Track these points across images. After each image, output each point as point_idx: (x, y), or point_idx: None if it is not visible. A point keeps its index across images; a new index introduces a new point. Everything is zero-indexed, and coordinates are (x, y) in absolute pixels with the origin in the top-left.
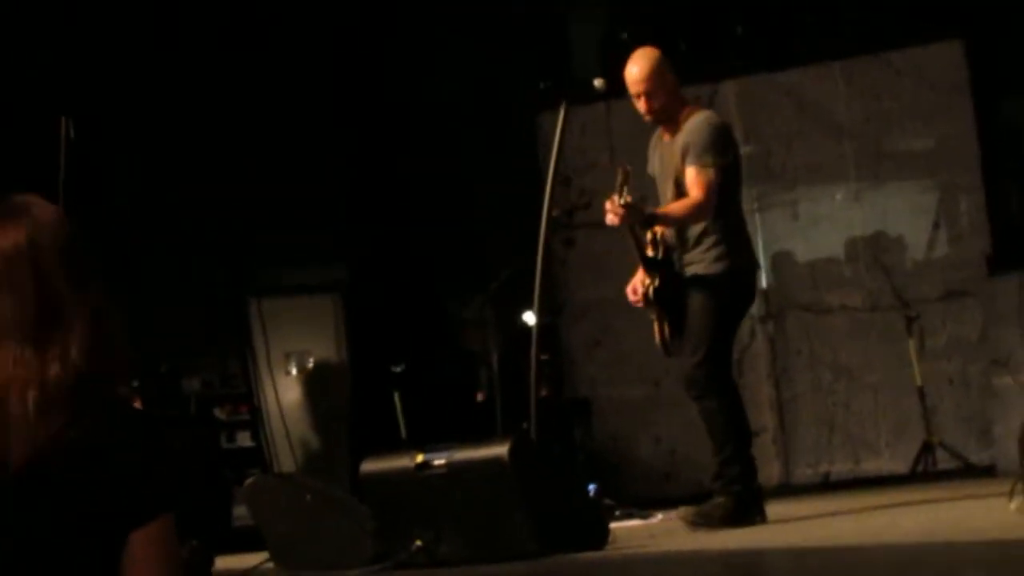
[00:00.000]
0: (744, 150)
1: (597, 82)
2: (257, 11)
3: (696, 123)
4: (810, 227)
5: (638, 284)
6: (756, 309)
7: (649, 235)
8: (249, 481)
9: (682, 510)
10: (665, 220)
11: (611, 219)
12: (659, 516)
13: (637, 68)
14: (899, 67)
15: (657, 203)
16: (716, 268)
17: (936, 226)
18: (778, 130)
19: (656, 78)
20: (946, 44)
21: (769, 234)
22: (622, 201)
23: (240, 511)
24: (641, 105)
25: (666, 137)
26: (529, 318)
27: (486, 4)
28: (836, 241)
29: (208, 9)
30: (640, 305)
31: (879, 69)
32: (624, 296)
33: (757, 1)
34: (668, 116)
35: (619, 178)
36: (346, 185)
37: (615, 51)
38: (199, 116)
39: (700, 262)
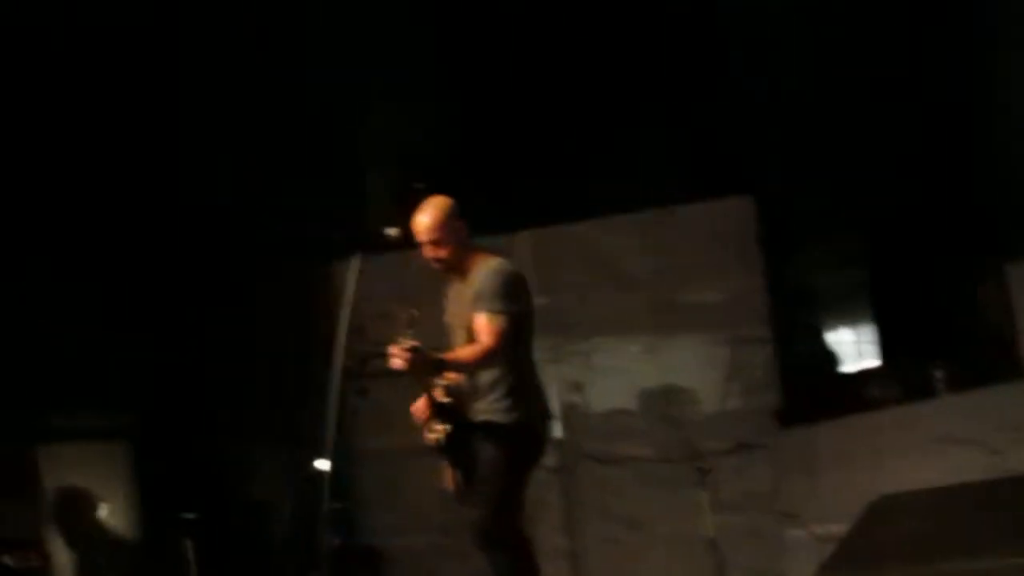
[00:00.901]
0: (539, 301)
1: (391, 231)
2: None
3: (487, 271)
4: (603, 378)
5: (419, 412)
6: (549, 459)
7: (441, 382)
8: None
9: None
10: (453, 366)
11: (397, 363)
12: None
13: (426, 217)
14: (691, 221)
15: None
16: (506, 418)
17: (728, 379)
18: (572, 282)
19: (445, 227)
20: (737, 199)
21: (563, 385)
22: (407, 345)
23: None
24: (429, 252)
25: (458, 285)
26: (321, 465)
27: (282, 149)
28: (629, 393)
29: None
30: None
31: (671, 223)
32: (415, 445)
33: (552, 154)
34: (458, 265)
35: (404, 322)
36: (135, 329)
37: (409, 200)
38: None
39: (491, 411)
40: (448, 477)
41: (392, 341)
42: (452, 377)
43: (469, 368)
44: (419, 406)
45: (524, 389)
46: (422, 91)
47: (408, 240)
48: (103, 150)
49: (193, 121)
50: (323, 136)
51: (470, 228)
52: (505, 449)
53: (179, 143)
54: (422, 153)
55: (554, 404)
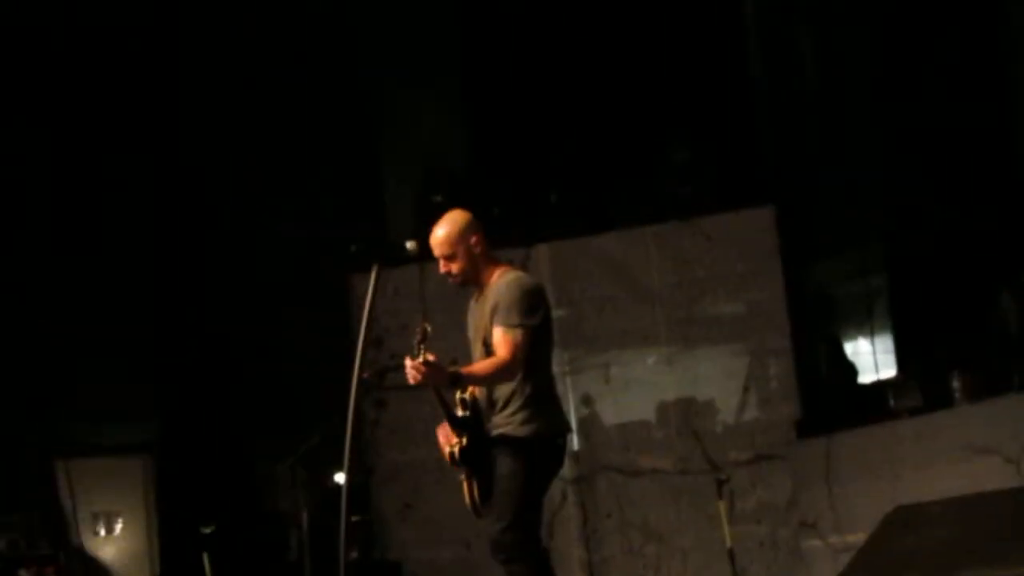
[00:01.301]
0: (557, 313)
1: (409, 244)
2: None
3: (505, 283)
4: (621, 390)
5: (444, 439)
6: (567, 471)
7: (459, 395)
8: None
9: None
10: (470, 380)
11: (412, 376)
12: None
13: (441, 231)
14: (710, 233)
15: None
16: (524, 431)
17: (746, 390)
18: (591, 294)
19: (459, 241)
20: (756, 211)
21: (580, 397)
22: (421, 359)
23: None
24: (443, 267)
25: (477, 299)
26: (340, 479)
27: (303, 164)
28: (647, 404)
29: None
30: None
31: (690, 235)
32: (435, 459)
33: (572, 168)
34: (474, 278)
35: (418, 336)
36: (158, 344)
37: (429, 214)
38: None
39: (508, 424)
40: (466, 491)
41: (408, 355)
42: (471, 390)
43: (485, 382)
44: (443, 434)
45: (542, 402)
46: (446, 104)
47: (426, 253)
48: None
49: (217, 127)
50: (345, 147)
51: (489, 241)
52: (523, 462)
53: (203, 148)
54: (443, 165)
55: (572, 416)
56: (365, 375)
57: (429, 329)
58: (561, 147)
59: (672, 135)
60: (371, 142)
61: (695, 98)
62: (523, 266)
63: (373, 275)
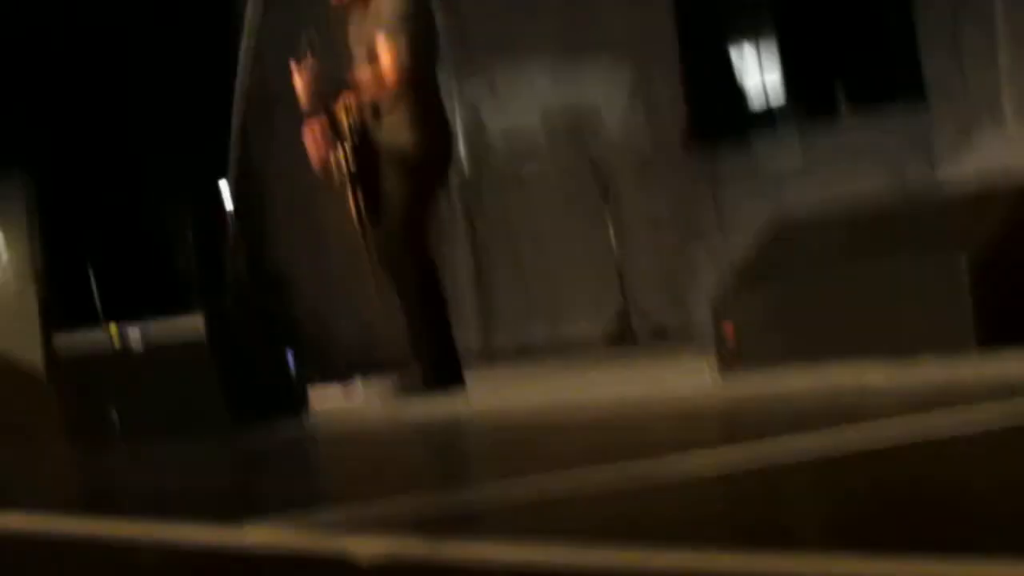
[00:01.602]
0: (443, 20)
1: None
2: None
3: None
4: (507, 100)
5: (313, 143)
6: (454, 179)
7: (343, 104)
8: None
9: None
10: (356, 92)
11: (299, 94)
12: (358, 383)
13: None
14: None
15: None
16: (408, 137)
17: (633, 97)
18: (477, 4)
19: None
20: None
21: (466, 106)
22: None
23: None
24: None
25: (360, 11)
26: (225, 192)
27: None
28: (533, 113)
29: None
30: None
31: None
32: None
33: None
34: None
35: (304, 45)
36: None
37: None
38: None
39: (392, 131)
40: (351, 203)
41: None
42: (352, 98)
43: (372, 92)
44: (315, 137)
45: (425, 109)
46: None
47: None
48: None
49: None
50: None
51: None
52: (409, 172)
53: None
54: None
55: (458, 125)
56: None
57: (316, 39)
58: None
59: None
60: None
61: None
62: None
63: None
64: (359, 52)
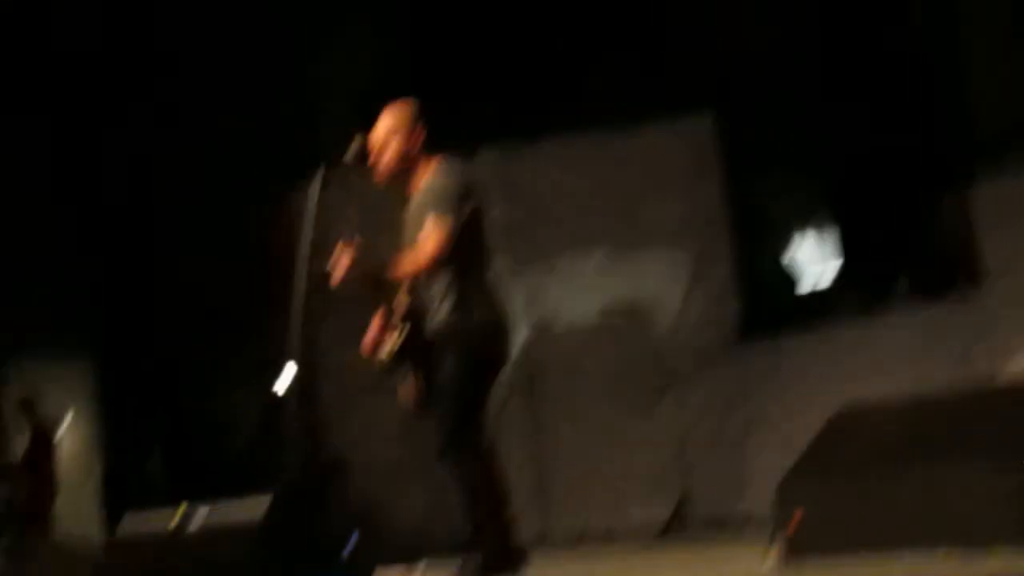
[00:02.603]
0: (499, 216)
1: (352, 147)
2: None
3: (432, 176)
4: (565, 292)
5: (371, 340)
6: (513, 369)
7: (400, 295)
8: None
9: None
10: (398, 272)
11: (337, 275)
12: (422, 565)
13: (385, 116)
14: (654, 137)
15: None
16: (462, 327)
17: (688, 293)
18: (535, 197)
19: (402, 126)
20: (697, 116)
21: (524, 298)
22: (348, 256)
23: None
24: (385, 154)
25: (409, 202)
26: (284, 380)
27: (239, 78)
28: (591, 306)
29: None
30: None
31: (632, 140)
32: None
33: (514, 71)
34: (407, 169)
35: (345, 230)
36: (106, 271)
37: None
38: None
39: (446, 321)
40: (407, 392)
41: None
42: (404, 298)
43: (415, 273)
44: (368, 339)
45: (478, 297)
46: (375, 26)
47: (367, 157)
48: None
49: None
50: (275, 75)
51: (431, 145)
52: (462, 359)
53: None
54: (375, 89)
55: (518, 315)
56: (310, 282)
57: (355, 219)
58: (499, 56)
59: (613, 40)
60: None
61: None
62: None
63: (317, 179)
64: (409, 241)
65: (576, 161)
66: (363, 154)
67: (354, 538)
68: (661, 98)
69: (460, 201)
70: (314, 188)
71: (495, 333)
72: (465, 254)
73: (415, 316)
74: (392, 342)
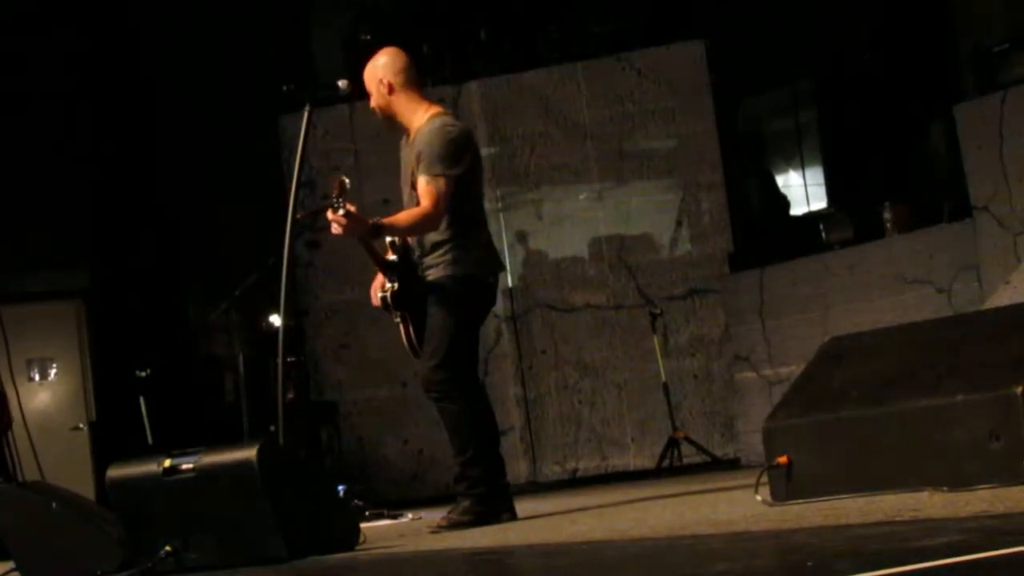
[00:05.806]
0: (488, 151)
1: (341, 83)
2: None
3: (430, 131)
4: (554, 227)
5: (378, 287)
6: (501, 309)
7: (388, 240)
8: None
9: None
10: (392, 230)
11: (335, 229)
12: (408, 516)
13: (371, 66)
14: (640, 68)
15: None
16: (452, 272)
17: (678, 224)
18: (522, 131)
19: (386, 76)
20: (687, 45)
21: (514, 234)
22: (342, 211)
23: None
24: (373, 102)
25: (407, 140)
26: (275, 321)
27: (227, 5)
28: (580, 240)
29: None
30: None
31: (621, 71)
32: (370, 299)
33: (501, 5)
34: (404, 116)
35: (335, 190)
36: (88, 190)
37: (358, 52)
38: None
39: (436, 266)
40: (403, 333)
41: (328, 208)
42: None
43: (408, 232)
44: (376, 283)
45: (469, 244)
46: None
47: (358, 92)
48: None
49: None
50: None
51: (420, 78)
52: (451, 303)
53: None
54: (371, 5)
55: (506, 253)
56: (299, 215)
57: (347, 182)
58: None
59: None
60: None
61: None
62: (454, 103)
63: (305, 115)
64: (405, 184)
65: (562, 93)
66: (349, 94)
67: (343, 490)
68: (650, 27)
69: (454, 161)
70: (302, 128)
71: (482, 281)
72: (457, 208)
73: (406, 260)
74: (388, 289)
